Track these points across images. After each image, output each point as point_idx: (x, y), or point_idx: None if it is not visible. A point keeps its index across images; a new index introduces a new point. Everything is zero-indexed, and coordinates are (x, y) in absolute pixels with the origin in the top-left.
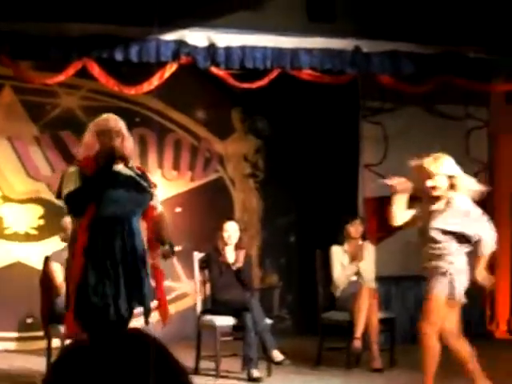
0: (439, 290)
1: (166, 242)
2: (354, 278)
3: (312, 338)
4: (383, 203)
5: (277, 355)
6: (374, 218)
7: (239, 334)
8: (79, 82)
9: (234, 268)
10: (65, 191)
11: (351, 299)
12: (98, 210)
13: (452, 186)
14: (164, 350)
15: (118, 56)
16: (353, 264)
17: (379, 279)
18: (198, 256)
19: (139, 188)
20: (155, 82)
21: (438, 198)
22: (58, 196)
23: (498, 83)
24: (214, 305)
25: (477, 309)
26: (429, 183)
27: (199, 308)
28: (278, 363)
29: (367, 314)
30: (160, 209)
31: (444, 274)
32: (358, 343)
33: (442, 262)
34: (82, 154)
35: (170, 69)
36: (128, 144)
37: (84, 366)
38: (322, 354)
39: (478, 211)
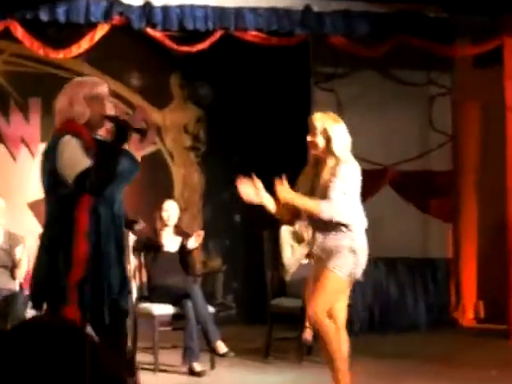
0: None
1: None
2: (306, 261)
3: (260, 327)
4: None
5: (221, 347)
6: None
7: (179, 323)
8: (0, 44)
9: (173, 251)
10: (77, 169)
11: (303, 284)
12: None
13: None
14: (94, 343)
15: (44, 16)
16: (303, 245)
17: None
18: (132, 238)
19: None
20: (85, 44)
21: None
22: (52, 173)
23: (461, 45)
24: (151, 292)
25: (440, 294)
26: (308, 137)
27: (135, 295)
28: (223, 355)
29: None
30: None
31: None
32: (309, 333)
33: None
34: (69, 122)
35: (102, 30)
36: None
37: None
38: (270, 344)
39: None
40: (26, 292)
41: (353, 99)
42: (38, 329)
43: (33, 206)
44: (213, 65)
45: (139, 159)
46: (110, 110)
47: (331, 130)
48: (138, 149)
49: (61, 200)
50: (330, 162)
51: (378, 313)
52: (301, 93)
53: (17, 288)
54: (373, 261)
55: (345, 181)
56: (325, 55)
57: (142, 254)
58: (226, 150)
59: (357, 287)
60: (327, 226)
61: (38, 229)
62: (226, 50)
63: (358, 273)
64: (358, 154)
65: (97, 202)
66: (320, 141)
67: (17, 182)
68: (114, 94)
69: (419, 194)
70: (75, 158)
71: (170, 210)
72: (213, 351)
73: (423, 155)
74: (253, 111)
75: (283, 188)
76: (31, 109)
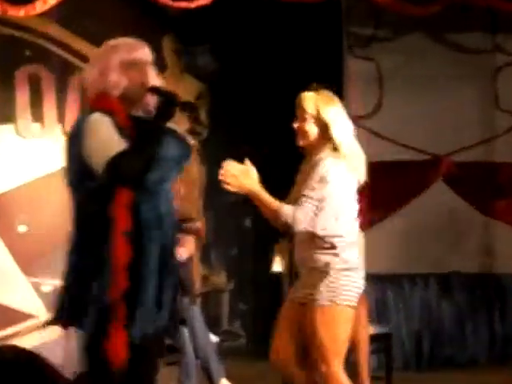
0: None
1: None
2: None
3: None
4: (379, 170)
5: None
6: (364, 193)
7: (173, 357)
8: None
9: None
10: (107, 154)
11: None
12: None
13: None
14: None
15: None
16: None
17: (370, 278)
18: None
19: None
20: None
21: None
22: (78, 161)
23: None
24: None
25: (507, 320)
26: (294, 124)
27: None
28: None
29: (353, 327)
30: None
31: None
32: None
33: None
34: (101, 97)
35: None
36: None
37: None
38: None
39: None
40: None
41: (396, 70)
42: None
43: None
44: (216, 26)
45: (191, 142)
46: (153, 80)
47: (327, 113)
48: None
49: (91, 195)
50: (323, 155)
51: (427, 344)
52: (330, 62)
53: None
54: (422, 278)
55: (325, 182)
56: (361, 14)
57: None
58: (233, 135)
59: (401, 310)
60: (308, 240)
61: None
62: (233, 8)
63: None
64: (401, 139)
65: (139, 197)
66: (311, 128)
67: None
68: (87, 60)
69: (480, 192)
70: (106, 141)
71: None
72: None
73: (486, 142)
74: (267, 85)
75: (246, 173)
76: None
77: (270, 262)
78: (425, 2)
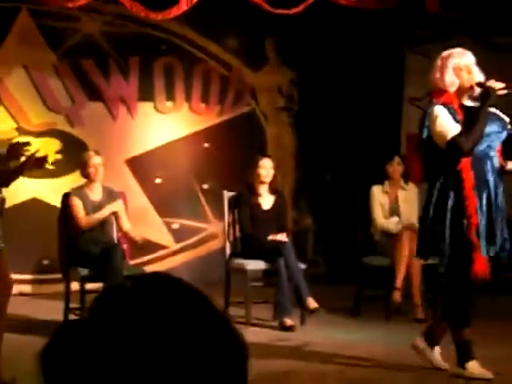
0: None
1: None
2: (396, 219)
3: (347, 285)
4: (428, 142)
5: (311, 303)
6: (418, 156)
7: (271, 279)
8: (102, 5)
9: (267, 208)
10: (448, 135)
11: (392, 242)
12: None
13: None
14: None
15: None
16: (394, 216)
17: None
18: (227, 195)
19: (499, 121)
20: (184, 6)
21: None
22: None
23: None
24: (244, 248)
25: None
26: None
27: (228, 251)
28: (313, 311)
29: (408, 260)
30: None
31: None
32: (398, 295)
33: None
34: (441, 92)
35: None
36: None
37: (123, 308)
38: (359, 303)
39: None
40: (124, 246)
41: None
42: (161, 285)
43: (129, 163)
44: (307, 29)
45: (507, 120)
46: (478, 76)
47: None
48: (232, 110)
49: (436, 158)
50: None
51: None
52: (394, 56)
53: (115, 241)
54: None
55: None
56: (420, 17)
57: (236, 210)
58: (318, 111)
59: None
60: None
61: (135, 185)
62: (320, 15)
63: None
64: None
65: (472, 162)
66: None
67: (115, 140)
68: (211, 56)
69: None
70: (446, 126)
71: (266, 168)
72: (303, 307)
73: None
74: (345, 74)
75: None
76: (130, 69)
77: (345, 209)
78: (462, 10)
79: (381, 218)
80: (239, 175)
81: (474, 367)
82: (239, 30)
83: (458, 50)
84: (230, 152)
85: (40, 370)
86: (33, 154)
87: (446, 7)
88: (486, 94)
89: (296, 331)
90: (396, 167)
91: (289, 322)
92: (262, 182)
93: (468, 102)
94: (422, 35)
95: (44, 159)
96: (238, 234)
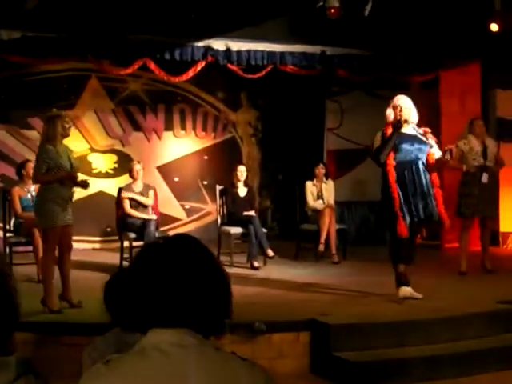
0: None
1: (434, 171)
2: (320, 202)
3: (292, 241)
4: (339, 154)
5: (270, 252)
6: (333, 163)
7: (246, 238)
8: (141, 73)
9: (243, 195)
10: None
11: (318, 216)
12: (395, 157)
13: None
14: (209, 252)
15: (167, 56)
16: (319, 200)
17: (337, 203)
18: (218, 187)
19: (420, 141)
20: (191, 73)
21: None
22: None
23: (413, 76)
24: (229, 220)
25: None
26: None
27: (219, 222)
28: (271, 257)
29: (328, 226)
30: (437, 155)
31: None
32: (321, 246)
33: None
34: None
35: (201, 65)
36: (411, 114)
37: (158, 258)
38: (299, 252)
39: None
40: (154, 218)
41: (350, 108)
42: (182, 241)
43: (159, 168)
44: (266, 86)
45: (428, 139)
46: (405, 115)
47: None
48: (221, 136)
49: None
50: None
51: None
52: (318, 103)
53: (151, 217)
54: (360, 202)
55: None
56: (333, 80)
57: (224, 196)
58: (274, 136)
59: (351, 218)
60: None
61: (162, 182)
62: (275, 78)
63: None
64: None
65: (397, 165)
66: None
67: (150, 154)
68: (208, 103)
69: None
70: (374, 145)
71: (241, 171)
72: (265, 255)
73: None
74: (290, 113)
75: None
76: (158, 111)
77: (291, 195)
78: (362, 74)
79: (311, 200)
80: (226, 175)
81: (405, 290)
82: (225, 87)
83: (400, 95)
84: (220, 162)
85: (103, 297)
86: (83, 180)
87: (351, 72)
88: (398, 125)
89: (260, 270)
90: (320, 170)
91: (256, 264)
92: (239, 180)
93: (409, 130)
94: (336, 90)
95: (86, 182)
96: (225, 211)
